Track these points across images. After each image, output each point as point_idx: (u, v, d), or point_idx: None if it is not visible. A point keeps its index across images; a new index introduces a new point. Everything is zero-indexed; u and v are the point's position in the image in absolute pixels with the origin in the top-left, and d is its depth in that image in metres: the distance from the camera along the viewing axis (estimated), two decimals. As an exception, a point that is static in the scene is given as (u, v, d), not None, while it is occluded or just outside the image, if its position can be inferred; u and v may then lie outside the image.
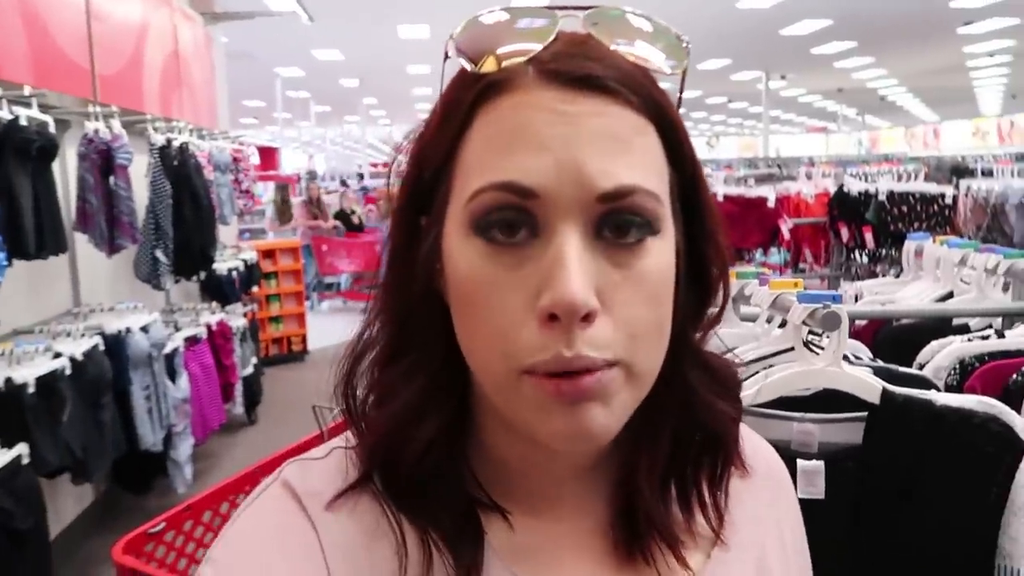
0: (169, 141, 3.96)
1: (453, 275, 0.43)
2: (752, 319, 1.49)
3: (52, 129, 2.92)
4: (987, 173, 5.24)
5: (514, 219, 0.40)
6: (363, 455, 0.47)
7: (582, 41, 0.43)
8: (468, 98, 0.43)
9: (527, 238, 0.40)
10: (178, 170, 3.97)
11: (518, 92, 0.42)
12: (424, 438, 0.45)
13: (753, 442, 0.59)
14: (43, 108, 2.92)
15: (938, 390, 1.17)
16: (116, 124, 3.47)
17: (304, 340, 7.01)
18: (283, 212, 8.90)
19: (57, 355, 2.79)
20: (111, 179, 3.43)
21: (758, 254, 5.02)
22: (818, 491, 1.07)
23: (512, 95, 0.42)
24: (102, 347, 3.09)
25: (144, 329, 3.40)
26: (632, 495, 0.49)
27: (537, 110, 0.41)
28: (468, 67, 0.42)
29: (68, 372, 2.79)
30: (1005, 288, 1.79)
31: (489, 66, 0.42)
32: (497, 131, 0.42)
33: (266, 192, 10.54)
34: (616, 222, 0.41)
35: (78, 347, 2.92)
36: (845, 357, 1.20)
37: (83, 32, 3.66)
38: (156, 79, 4.62)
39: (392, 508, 0.45)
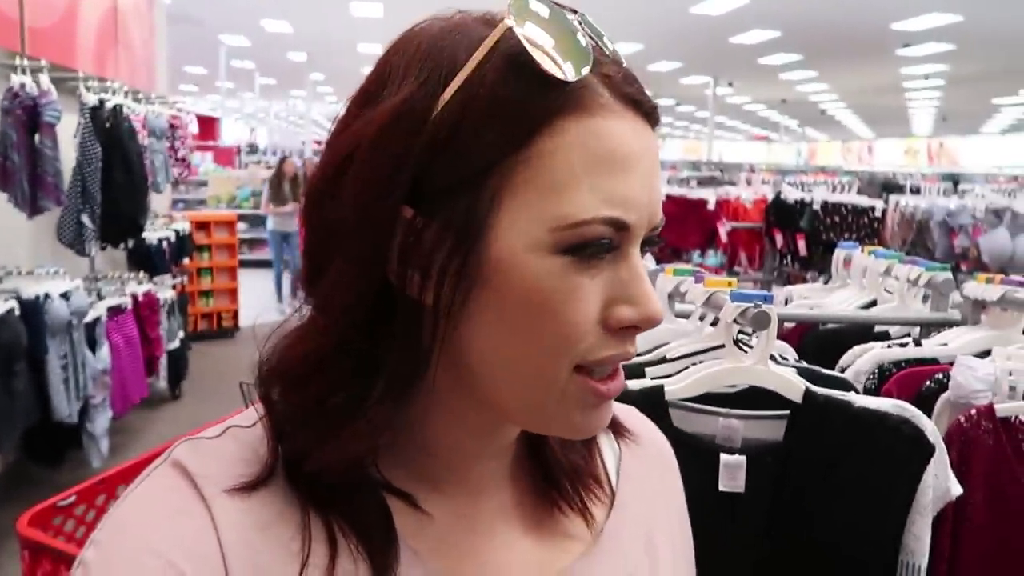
0: (102, 101, 3.80)
1: (517, 287, 0.40)
2: (686, 316, 1.51)
3: (-27, 79, 2.76)
4: (915, 191, 5.47)
5: (608, 245, 0.41)
6: (274, 449, 0.44)
7: (620, 60, 0.44)
8: (542, 103, 0.39)
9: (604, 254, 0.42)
10: (110, 132, 3.81)
11: (607, 113, 0.41)
12: (363, 450, 0.43)
13: (644, 424, 0.61)
14: (-36, 56, 2.77)
15: (858, 392, 1.21)
16: (44, 79, 3.31)
17: (235, 316, 6.85)
18: (278, 192, 7.43)
19: (-33, 317, 2.65)
20: (36, 137, 3.27)
21: (695, 255, 5.12)
22: (738, 484, 1.09)
23: (604, 116, 0.40)
24: (17, 312, 2.95)
25: (64, 296, 3.26)
26: (542, 450, 0.52)
27: (628, 137, 0.41)
28: (555, 72, 0.39)
29: (-22, 336, 2.66)
30: (925, 299, 1.87)
31: (569, 74, 0.39)
32: (595, 153, 0.40)
33: (203, 162, 10.20)
34: (644, 244, 0.44)
35: (-9, 310, 2.78)
36: (772, 357, 1.23)
37: (13, -20, 3.47)
38: (91, 36, 4.42)
39: (296, 493, 0.44)
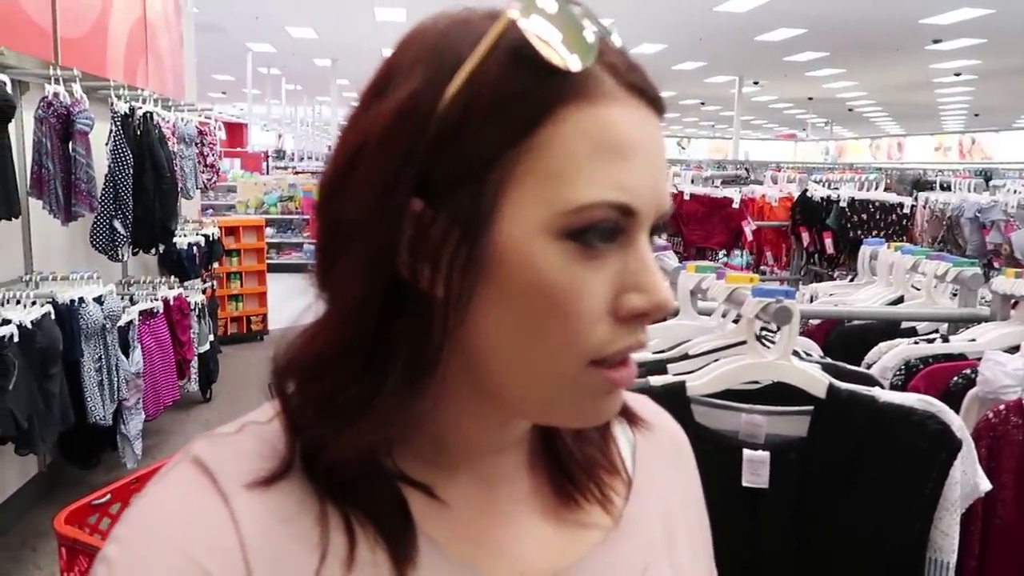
0: (132, 109, 3.87)
1: (523, 276, 0.41)
2: (708, 313, 1.51)
3: (9, 90, 2.83)
4: (946, 187, 5.38)
5: (613, 230, 0.41)
6: (291, 443, 0.45)
7: (626, 50, 0.43)
8: (546, 93, 0.40)
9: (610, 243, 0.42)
10: (141, 139, 3.88)
11: (610, 101, 0.41)
12: (377, 441, 0.44)
13: (657, 413, 0.61)
14: (0, 68, 2.84)
15: (883, 388, 1.20)
16: (77, 88, 3.38)
17: (264, 320, 6.92)
18: None
19: (5, 322, 2.72)
20: (70, 145, 3.35)
21: (721, 255, 5.08)
22: (762, 480, 1.09)
23: (607, 104, 0.41)
24: (53, 316, 3.02)
25: (98, 300, 3.33)
26: (554, 444, 0.52)
27: (633, 125, 0.41)
28: (557, 62, 0.39)
29: (16, 339, 2.72)
30: (953, 295, 1.85)
31: (574, 64, 0.40)
32: (599, 140, 0.40)
33: (232, 168, 10.32)
34: (651, 232, 0.44)
35: (27, 315, 2.85)
36: (796, 353, 1.22)
37: (47, -8, 3.56)
38: (121, 45, 4.52)
39: (313, 485, 0.44)
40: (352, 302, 0.42)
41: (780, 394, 1.17)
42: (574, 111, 0.40)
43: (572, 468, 0.52)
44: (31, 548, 3.20)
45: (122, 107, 3.79)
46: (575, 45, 0.40)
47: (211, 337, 5.00)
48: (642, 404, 0.59)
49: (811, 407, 1.12)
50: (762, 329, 1.25)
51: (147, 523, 0.42)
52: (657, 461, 0.58)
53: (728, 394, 1.17)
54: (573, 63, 0.39)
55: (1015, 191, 4.38)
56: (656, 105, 0.43)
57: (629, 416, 0.56)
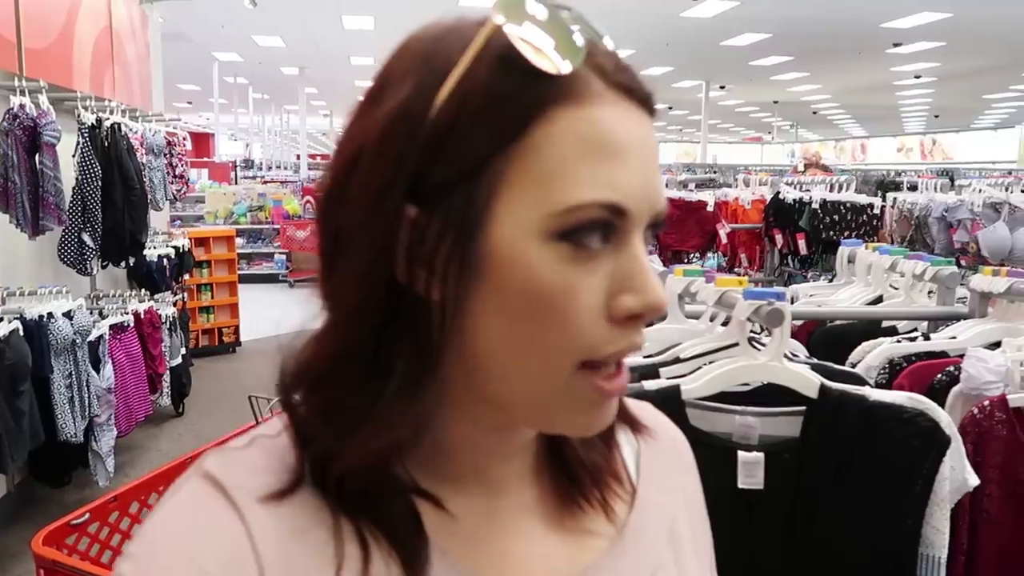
0: (100, 120, 3.80)
1: (516, 278, 0.41)
2: (696, 316, 1.51)
3: (-27, 101, 2.76)
4: (912, 187, 5.48)
5: (604, 230, 0.41)
6: (300, 456, 0.45)
7: (616, 52, 0.43)
8: (534, 96, 0.40)
9: (603, 244, 0.42)
10: (108, 151, 3.82)
11: (599, 101, 0.41)
12: (382, 448, 0.43)
13: (657, 418, 0.61)
14: (-36, 78, 2.77)
15: (871, 387, 1.22)
16: (43, 100, 3.31)
17: (236, 331, 6.82)
18: None
19: (-28, 339, 2.65)
20: (37, 157, 3.27)
21: (695, 258, 5.12)
22: (757, 481, 1.10)
23: (597, 105, 0.41)
24: (21, 332, 2.95)
25: (67, 315, 3.26)
26: (562, 449, 0.52)
27: (622, 124, 0.41)
28: (543, 65, 0.40)
29: (-16, 357, 2.65)
30: (929, 293, 1.88)
31: (561, 67, 0.40)
32: (588, 141, 0.40)
33: (199, 179, 10.17)
34: (648, 232, 0.44)
35: (-5, 331, 2.78)
36: (784, 354, 1.23)
37: (10, 3, 3.47)
38: (88, 55, 4.43)
39: (326, 499, 0.44)
40: (351, 308, 0.43)
41: (767, 395, 1.18)
42: (563, 113, 0.40)
43: (579, 473, 0.52)
44: (1, 571, 3.11)
45: (89, 118, 3.72)
46: (562, 48, 0.40)
47: (183, 350, 4.92)
48: (644, 410, 0.59)
49: (803, 407, 1.13)
50: (749, 331, 1.26)
51: (161, 539, 0.42)
52: (660, 467, 0.58)
53: (718, 397, 1.17)
54: (561, 66, 0.40)
55: (980, 190, 4.48)
56: (646, 105, 0.43)
57: (632, 422, 0.56)
